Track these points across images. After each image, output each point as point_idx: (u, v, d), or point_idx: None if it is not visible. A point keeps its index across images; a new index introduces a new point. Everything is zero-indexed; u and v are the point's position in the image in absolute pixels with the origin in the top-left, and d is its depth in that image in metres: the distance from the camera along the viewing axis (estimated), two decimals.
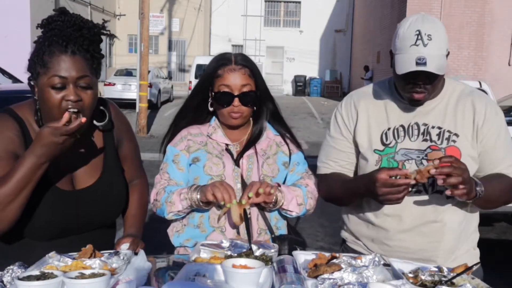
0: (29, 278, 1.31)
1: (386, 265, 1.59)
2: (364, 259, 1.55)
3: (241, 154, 2.00)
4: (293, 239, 1.93)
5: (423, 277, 1.46)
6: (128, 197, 1.96)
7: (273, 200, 1.89)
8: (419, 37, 1.77)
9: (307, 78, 28.06)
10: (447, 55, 1.83)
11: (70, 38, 1.61)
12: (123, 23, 27.59)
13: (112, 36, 1.86)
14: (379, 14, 21.10)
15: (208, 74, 2.01)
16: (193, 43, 28.29)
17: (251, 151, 2.01)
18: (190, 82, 20.68)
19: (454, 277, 1.45)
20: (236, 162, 1.98)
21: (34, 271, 1.37)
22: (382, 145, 1.94)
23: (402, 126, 1.94)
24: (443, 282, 1.43)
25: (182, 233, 2.02)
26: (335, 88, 28.28)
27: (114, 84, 18.80)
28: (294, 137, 2.15)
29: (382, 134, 1.95)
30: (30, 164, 1.55)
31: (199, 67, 20.95)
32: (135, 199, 1.99)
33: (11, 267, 1.45)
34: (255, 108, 2.03)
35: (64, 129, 1.52)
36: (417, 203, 1.90)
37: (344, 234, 2.18)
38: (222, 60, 2.00)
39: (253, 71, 2.00)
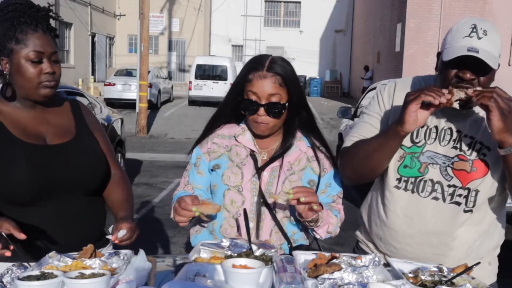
0: (29, 278, 1.31)
1: (386, 265, 1.59)
2: (364, 259, 1.54)
3: (264, 167, 1.91)
4: (310, 248, 1.85)
5: (423, 277, 1.46)
6: (109, 170, 1.99)
7: (315, 217, 1.81)
8: (474, 30, 1.66)
9: (307, 78, 28.02)
10: (498, 66, 1.70)
11: (37, 19, 1.77)
12: (123, 23, 27.60)
13: (56, 19, 1.97)
14: (379, 14, 21.09)
15: (241, 77, 1.92)
16: (193, 43, 28.30)
17: (276, 164, 1.91)
18: (190, 82, 20.70)
19: (454, 277, 1.45)
20: (258, 173, 1.90)
21: (34, 271, 1.37)
22: (411, 142, 1.85)
23: (436, 127, 1.85)
24: (443, 282, 1.43)
25: (199, 234, 1.99)
26: (335, 88, 28.26)
27: (114, 84, 18.78)
28: (330, 151, 2.00)
29: (414, 130, 1.81)
30: None
31: (199, 67, 20.99)
32: (120, 188, 2.02)
33: (11, 267, 1.45)
34: (285, 118, 1.90)
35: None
36: (431, 210, 1.83)
37: (358, 234, 2.15)
38: (255, 64, 1.89)
39: (286, 80, 1.86)
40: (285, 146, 1.93)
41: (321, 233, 1.89)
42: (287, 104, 1.88)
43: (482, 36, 1.66)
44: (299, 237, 1.96)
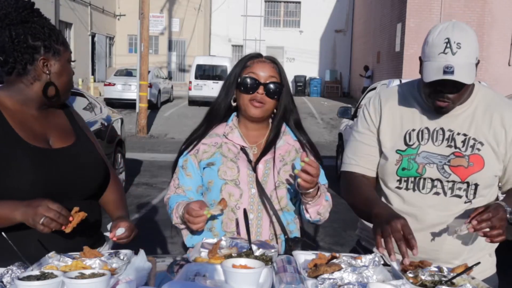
0: (29, 278, 1.32)
1: (386, 265, 1.59)
2: (364, 259, 1.55)
3: (259, 159, 1.96)
4: (306, 242, 1.91)
5: (423, 277, 1.46)
6: (108, 173, 2.01)
7: (315, 191, 1.84)
8: (448, 45, 1.74)
9: (307, 78, 28.07)
10: (477, 64, 1.80)
11: (57, 34, 1.86)
12: (123, 23, 27.61)
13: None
14: (379, 14, 21.10)
15: (236, 70, 2.03)
16: (193, 43, 28.32)
17: (269, 156, 1.97)
18: (190, 82, 20.71)
19: (454, 277, 1.45)
20: (253, 166, 1.95)
21: (34, 271, 1.37)
22: (405, 145, 1.93)
23: (427, 128, 1.92)
24: (443, 282, 1.43)
25: (195, 235, 1.98)
26: (335, 88, 28.29)
27: (114, 84, 18.77)
28: (314, 147, 2.09)
29: (406, 134, 1.94)
30: (4, 211, 1.62)
31: (199, 67, 20.99)
32: (115, 189, 2.05)
33: (11, 267, 1.45)
34: (276, 107, 2.01)
35: (53, 213, 1.57)
36: (433, 204, 1.90)
37: (359, 232, 2.20)
38: (252, 54, 2.05)
39: (280, 70, 2.03)
40: (274, 134, 2.02)
41: (312, 212, 1.92)
42: (283, 89, 2.00)
43: (456, 50, 1.73)
44: (293, 228, 2.01)
